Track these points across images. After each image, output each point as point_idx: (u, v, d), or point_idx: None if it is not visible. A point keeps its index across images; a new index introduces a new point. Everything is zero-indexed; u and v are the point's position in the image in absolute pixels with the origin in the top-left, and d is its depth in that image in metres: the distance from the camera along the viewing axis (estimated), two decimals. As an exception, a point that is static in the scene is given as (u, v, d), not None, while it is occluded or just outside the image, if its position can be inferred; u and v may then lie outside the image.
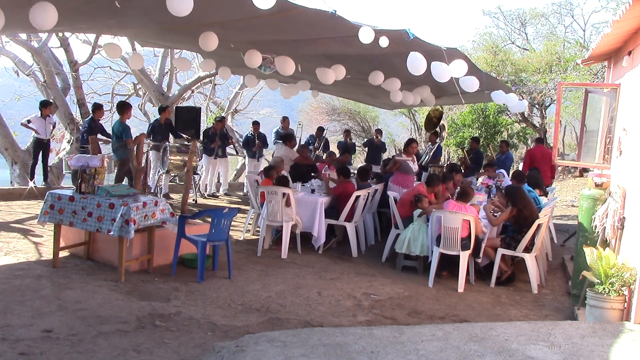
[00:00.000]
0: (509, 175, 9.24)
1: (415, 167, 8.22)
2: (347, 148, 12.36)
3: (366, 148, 13.54)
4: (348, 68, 7.86)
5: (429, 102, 10.47)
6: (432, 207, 6.69)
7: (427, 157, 11.10)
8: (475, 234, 6.11)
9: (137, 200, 5.32)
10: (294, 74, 8.86)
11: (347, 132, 14.00)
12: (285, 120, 12.07)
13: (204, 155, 10.66)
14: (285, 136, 9.82)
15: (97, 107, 9.33)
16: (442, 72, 6.26)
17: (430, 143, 11.69)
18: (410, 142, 8.45)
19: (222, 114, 15.94)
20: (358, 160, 19.61)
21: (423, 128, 23.01)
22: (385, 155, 12.71)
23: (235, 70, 10.07)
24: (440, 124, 11.73)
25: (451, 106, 18.90)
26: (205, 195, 11.13)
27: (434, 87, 9.54)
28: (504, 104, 8.43)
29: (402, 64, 7.47)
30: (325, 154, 11.38)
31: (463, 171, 10.37)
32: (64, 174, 11.91)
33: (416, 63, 6.00)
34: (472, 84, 6.90)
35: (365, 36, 5.31)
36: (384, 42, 5.51)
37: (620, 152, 5.59)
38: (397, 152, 17.23)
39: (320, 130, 12.47)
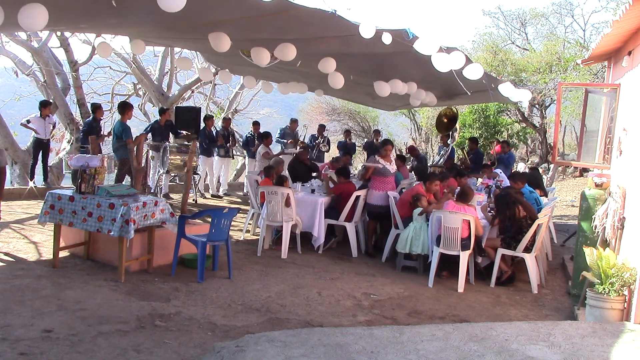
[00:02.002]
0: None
1: (392, 167, 7.48)
2: (347, 148, 12.38)
3: (366, 150, 13.55)
4: (349, 68, 7.85)
5: (431, 102, 10.45)
6: (432, 206, 6.70)
7: (441, 159, 11.10)
8: (475, 234, 6.12)
9: (137, 200, 5.32)
10: (295, 78, 8.86)
11: (347, 132, 14.02)
12: (294, 122, 12.25)
13: (201, 155, 10.67)
14: (263, 134, 10.72)
15: (98, 107, 9.35)
16: (443, 62, 6.13)
17: (442, 144, 11.69)
18: (385, 143, 7.76)
19: (223, 114, 15.95)
20: (358, 161, 19.62)
21: (424, 127, 23.10)
22: None
23: (235, 70, 10.08)
24: (454, 126, 11.68)
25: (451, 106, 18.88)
26: (207, 195, 11.14)
27: (441, 88, 9.52)
28: (506, 100, 8.27)
29: (403, 63, 7.47)
30: (327, 149, 11.94)
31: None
32: (64, 174, 11.92)
33: (426, 45, 5.87)
34: (475, 71, 6.69)
35: (366, 31, 5.32)
36: (387, 38, 5.50)
37: (620, 152, 5.59)
38: (398, 152, 17.25)
39: (322, 127, 12.79)
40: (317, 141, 12.09)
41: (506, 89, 7.24)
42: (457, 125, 12.04)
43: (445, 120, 11.67)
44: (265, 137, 10.54)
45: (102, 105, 12.96)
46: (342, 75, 7.75)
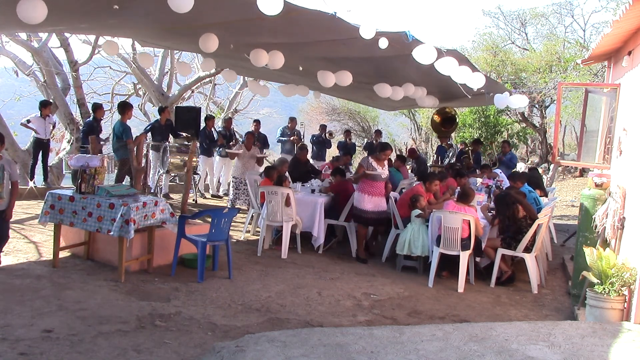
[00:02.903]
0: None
1: (384, 172, 6.90)
2: (347, 148, 12.41)
3: (366, 151, 13.58)
4: (349, 71, 7.84)
5: (432, 104, 10.46)
6: (432, 206, 6.70)
7: (450, 160, 11.13)
8: (475, 235, 6.12)
9: (137, 200, 5.32)
10: (295, 76, 8.84)
11: (347, 132, 14.05)
12: (293, 120, 12.42)
13: (201, 155, 10.67)
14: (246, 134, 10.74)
15: (98, 107, 9.36)
16: (449, 66, 6.14)
17: (444, 145, 11.73)
18: (385, 147, 7.05)
19: (223, 114, 15.96)
20: (358, 161, 19.59)
21: (424, 127, 23.08)
22: None
23: (239, 71, 10.07)
24: (453, 127, 11.75)
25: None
26: (207, 195, 11.14)
27: (439, 91, 9.52)
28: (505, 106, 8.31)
29: (404, 66, 7.47)
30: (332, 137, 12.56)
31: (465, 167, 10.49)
32: (64, 174, 11.91)
33: (424, 53, 5.88)
34: (478, 80, 6.72)
35: (366, 32, 5.32)
36: (383, 43, 5.51)
37: (620, 152, 5.59)
38: (398, 152, 17.24)
39: (323, 127, 13.01)
40: (323, 135, 12.41)
41: (502, 100, 7.26)
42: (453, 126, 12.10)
43: (438, 118, 11.66)
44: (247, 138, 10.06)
45: (103, 105, 12.85)
46: (349, 73, 7.73)
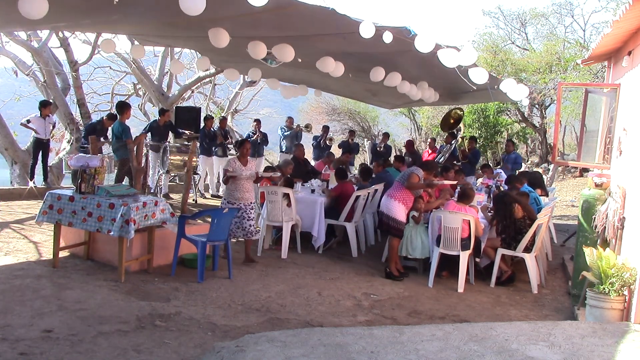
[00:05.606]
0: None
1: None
2: (349, 148, 12.42)
3: (368, 151, 13.59)
4: (349, 66, 7.84)
5: (432, 99, 10.45)
6: (428, 206, 6.65)
7: (443, 157, 11.18)
8: (475, 235, 6.11)
9: (137, 200, 5.32)
10: (295, 75, 8.81)
11: (351, 132, 14.03)
12: (289, 119, 12.59)
13: (201, 155, 10.67)
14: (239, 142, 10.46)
15: (110, 117, 9.43)
16: (451, 58, 6.09)
17: (446, 143, 11.79)
18: (448, 169, 8.06)
19: (223, 114, 15.97)
20: (359, 161, 19.61)
21: (424, 127, 23.09)
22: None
23: (241, 68, 10.06)
24: (458, 126, 11.80)
25: (451, 105, 18.87)
26: (207, 195, 11.14)
27: (440, 85, 9.50)
28: (506, 99, 8.25)
29: (404, 61, 7.46)
30: (331, 143, 12.46)
31: (462, 160, 10.58)
32: (64, 174, 11.92)
33: (424, 44, 5.84)
34: (481, 75, 6.65)
35: (366, 30, 5.31)
36: (387, 37, 5.48)
37: (620, 152, 5.58)
38: (397, 153, 17.17)
39: (326, 129, 12.96)
40: (320, 139, 12.36)
41: (507, 85, 7.23)
42: (461, 125, 12.14)
43: (452, 121, 11.76)
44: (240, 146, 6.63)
45: (102, 105, 12.91)
46: (342, 64, 7.71)
